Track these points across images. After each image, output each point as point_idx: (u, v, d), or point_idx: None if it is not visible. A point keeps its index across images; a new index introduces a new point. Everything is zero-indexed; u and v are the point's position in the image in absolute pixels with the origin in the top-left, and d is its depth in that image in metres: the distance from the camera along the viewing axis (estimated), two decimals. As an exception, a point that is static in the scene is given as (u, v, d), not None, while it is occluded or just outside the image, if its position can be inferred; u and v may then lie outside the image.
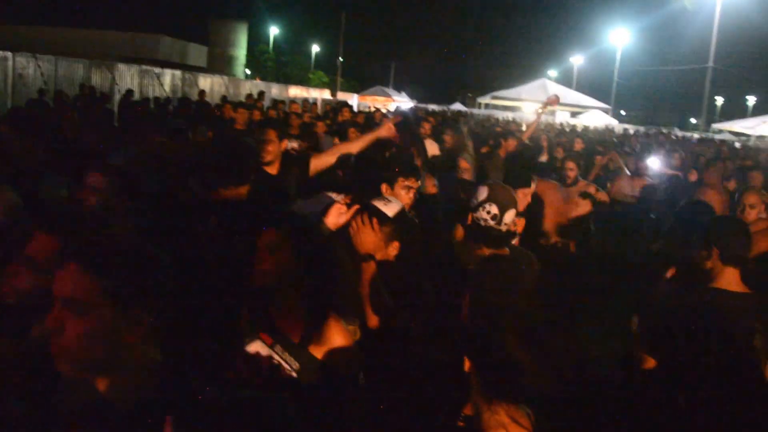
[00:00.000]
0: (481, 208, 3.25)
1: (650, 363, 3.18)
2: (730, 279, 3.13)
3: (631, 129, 29.23)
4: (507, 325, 1.88)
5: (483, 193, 3.28)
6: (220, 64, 36.76)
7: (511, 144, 8.46)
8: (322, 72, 61.19)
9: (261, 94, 17.54)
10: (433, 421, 2.14)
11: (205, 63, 39.54)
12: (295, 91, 35.19)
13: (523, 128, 13.81)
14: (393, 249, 3.21)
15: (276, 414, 1.50)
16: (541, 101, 23.14)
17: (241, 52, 38.44)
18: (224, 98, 14.63)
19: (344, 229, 3.12)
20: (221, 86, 27.69)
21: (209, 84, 26.79)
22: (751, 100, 59.39)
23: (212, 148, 6.24)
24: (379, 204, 3.12)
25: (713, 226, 3.31)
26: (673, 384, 3.03)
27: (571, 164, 6.49)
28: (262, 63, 55.39)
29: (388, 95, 38.49)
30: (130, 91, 16.88)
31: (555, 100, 7.79)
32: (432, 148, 8.57)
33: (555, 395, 1.87)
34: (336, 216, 3.09)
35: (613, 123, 32.90)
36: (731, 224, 3.32)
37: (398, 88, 46.76)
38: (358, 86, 48.81)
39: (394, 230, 3.16)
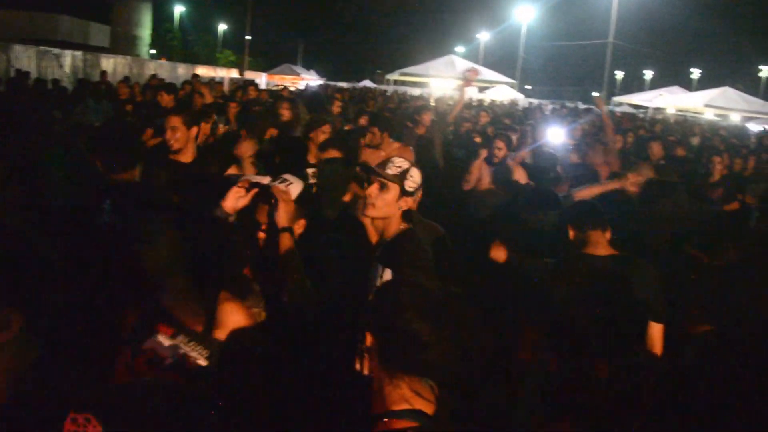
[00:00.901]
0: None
1: (533, 334, 3.28)
2: (594, 242, 3.28)
3: (536, 102, 29.97)
4: (408, 300, 1.88)
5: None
6: (124, 44, 35.23)
7: (426, 118, 8.48)
8: (230, 51, 59.72)
9: (194, 77, 17.00)
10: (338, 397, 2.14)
11: (107, 43, 37.85)
12: (202, 71, 34.23)
13: (432, 104, 13.94)
14: (299, 227, 3.22)
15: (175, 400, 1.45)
16: (451, 76, 23.46)
17: (145, 31, 36.94)
18: (126, 78, 13.99)
19: (247, 210, 3.10)
20: (125, 67, 26.62)
21: (112, 65, 25.70)
22: (648, 74, 62.03)
23: (101, 132, 5.99)
24: (281, 185, 3.14)
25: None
26: (561, 349, 3.16)
27: (500, 143, 6.32)
28: (167, 42, 53.44)
29: (296, 73, 38.00)
30: (23, 73, 15.93)
31: (474, 73, 7.81)
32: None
33: (464, 372, 1.88)
34: (234, 199, 3.04)
35: (520, 97, 33.68)
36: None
37: (307, 66, 46.30)
38: (267, 65, 47.86)
39: (299, 209, 3.18)
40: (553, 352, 3.13)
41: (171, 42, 54.61)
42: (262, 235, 3.18)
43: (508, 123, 10.21)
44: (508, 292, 3.86)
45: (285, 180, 3.23)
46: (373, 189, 3.10)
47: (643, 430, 2.63)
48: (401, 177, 3.09)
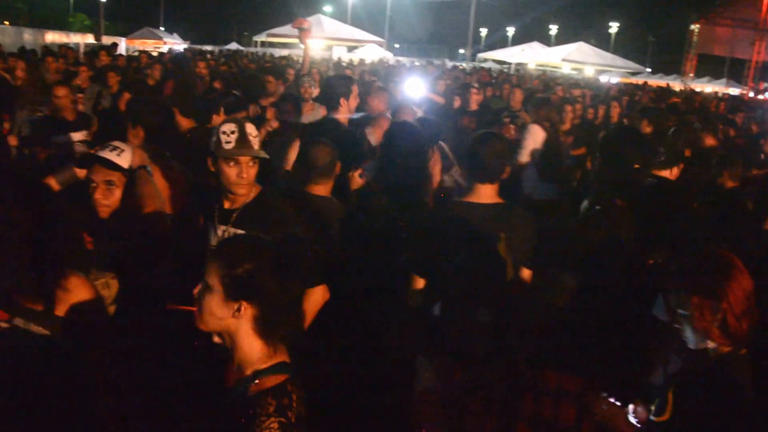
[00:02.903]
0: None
1: (419, 283, 3.37)
2: (479, 192, 3.34)
3: (404, 60, 30.28)
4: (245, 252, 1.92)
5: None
6: (-43, 7, 32.26)
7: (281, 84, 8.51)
8: (83, 14, 55.98)
9: (114, 46, 15.76)
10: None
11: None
12: (53, 37, 31.98)
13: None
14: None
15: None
16: (319, 37, 23.16)
17: (-18, -8, 33.95)
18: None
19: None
20: (-42, 33, 24.42)
21: (-57, 30, 23.51)
22: (510, 31, 63.97)
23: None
24: (110, 155, 3.12)
25: (468, 144, 3.46)
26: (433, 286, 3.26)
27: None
28: (10, 5, 49.30)
29: (158, 37, 36.22)
30: None
31: (300, 23, 7.70)
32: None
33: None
34: (65, 174, 2.96)
35: (388, 56, 33.85)
36: (482, 142, 3.40)
37: (170, 30, 44.19)
38: (126, 29, 45.27)
39: (131, 180, 3.20)
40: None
41: (14, 3, 50.41)
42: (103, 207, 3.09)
43: (374, 80, 10.22)
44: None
45: (116, 148, 3.18)
46: (247, 166, 3.09)
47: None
48: (260, 147, 3.14)
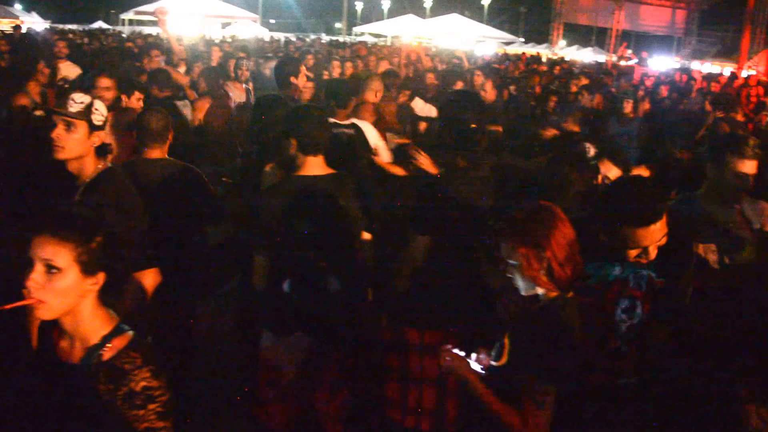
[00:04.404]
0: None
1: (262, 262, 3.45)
2: (309, 165, 3.40)
3: (278, 36, 29.86)
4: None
5: None
6: None
7: (156, 62, 8.27)
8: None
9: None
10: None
11: None
12: None
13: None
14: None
15: None
16: (188, 13, 22.38)
17: None
18: None
19: None
20: None
21: None
22: (385, 5, 64.25)
23: None
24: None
25: (290, 117, 3.51)
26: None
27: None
28: None
29: (14, 15, 33.88)
30: None
31: (161, 11, 7.53)
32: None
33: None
34: None
35: (264, 32, 33.30)
36: (305, 114, 3.49)
37: (27, 8, 41.41)
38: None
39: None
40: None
41: None
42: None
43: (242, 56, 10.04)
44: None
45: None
46: (60, 130, 2.98)
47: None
48: (86, 113, 3.00)
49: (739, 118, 7.65)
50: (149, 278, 3.07)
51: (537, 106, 8.05)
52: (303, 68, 5.40)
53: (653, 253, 2.60)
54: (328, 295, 3.34)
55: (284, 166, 3.62)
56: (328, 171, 3.42)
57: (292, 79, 5.05)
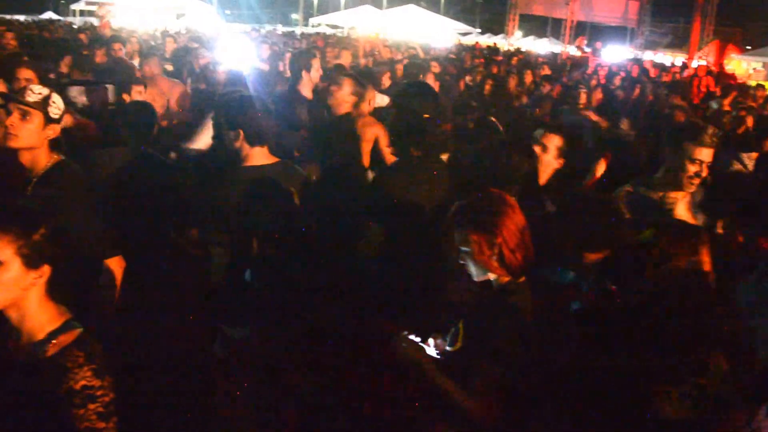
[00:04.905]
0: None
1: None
2: (256, 156, 3.43)
3: (235, 27, 29.50)
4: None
5: None
6: None
7: (99, 55, 8.13)
8: None
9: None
10: None
11: None
12: None
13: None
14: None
15: None
16: (136, 6, 22.01)
17: None
18: None
19: None
20: None
21: None
22: (343, -5, 63.95)
23: None
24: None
25: (235, 108, 3.50)
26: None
27: None
28: None
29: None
30: None
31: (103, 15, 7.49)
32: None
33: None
34: None
35: (219, 23, 32.83)
36: (250, 105, 3.50)
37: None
38: None
39: None
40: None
41: None
42: None
43: (196, 47, 9.94)
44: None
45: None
46: (15, 118, 2.95)
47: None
48: (43, 104, 2.98)
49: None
50: (114, 265, 3.16)
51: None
52: (316, 62, 5.37)
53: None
54: (292, 282, 3.35)
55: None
56: (274, 159, 3.44)
57: (304, 73, 5.02)
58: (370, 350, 3.33)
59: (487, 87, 8.41)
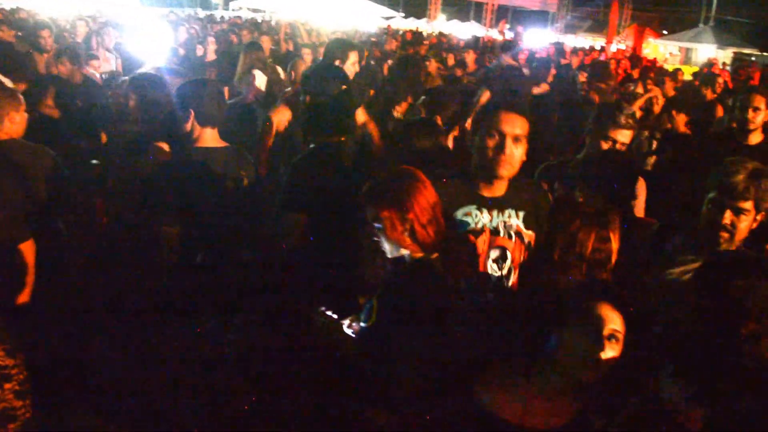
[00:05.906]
0: None
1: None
2: (207, 138, 3.40)
3: (153, 11, 28.64)
4: None
5: None
6: None
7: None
8: None
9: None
10: None
11: None
12: None
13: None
14: None
15: None
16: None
17: None
18: None
19: None
20: None
21: None
22: (266, -22, 62.88)
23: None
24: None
25: (187, 91, 3.53)
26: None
27: None
28: None
29: None
30: None
31: None
32: None
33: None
34: None
35: (137, 6, 31.83)
36: (202, 88, 3.55)
37: None
38: None
39: None
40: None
41: None
42: None
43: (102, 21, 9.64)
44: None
45: None
46: None
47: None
48: None
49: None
50: (26, 249, 3.23)
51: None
52: (354, 55, 5.03)
53: None
54: (243, 265, 3.37)
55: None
56: (224, 144, 3.49)
57: (338, 63, 4.86)
58: (287, 329, 3.34)
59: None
